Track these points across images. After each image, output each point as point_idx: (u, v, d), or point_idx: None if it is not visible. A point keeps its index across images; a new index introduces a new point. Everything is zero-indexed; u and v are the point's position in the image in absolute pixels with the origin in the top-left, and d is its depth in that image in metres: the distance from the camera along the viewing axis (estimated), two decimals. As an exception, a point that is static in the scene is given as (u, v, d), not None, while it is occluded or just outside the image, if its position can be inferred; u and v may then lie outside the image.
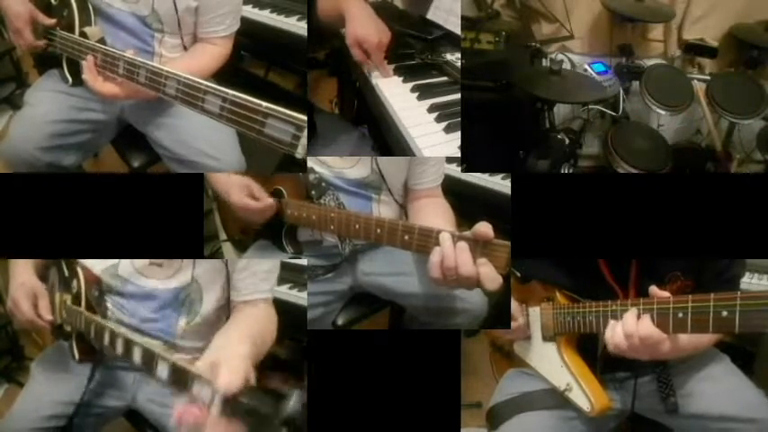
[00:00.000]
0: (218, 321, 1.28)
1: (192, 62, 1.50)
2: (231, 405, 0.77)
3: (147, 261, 1.23)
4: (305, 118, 0.86)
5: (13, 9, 1.40)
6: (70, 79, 1.48)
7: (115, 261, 1.24)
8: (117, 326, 1.10)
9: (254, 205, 1.29)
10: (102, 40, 1.39)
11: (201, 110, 0.98)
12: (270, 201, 1.30)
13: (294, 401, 0.72)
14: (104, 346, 1.11)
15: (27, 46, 1.44)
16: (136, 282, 1.24)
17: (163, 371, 0.90)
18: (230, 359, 0.90)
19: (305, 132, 0.86)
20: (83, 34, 1.39)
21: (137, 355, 0.99)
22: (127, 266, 1.24)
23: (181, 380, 0.83)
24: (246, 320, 1.23)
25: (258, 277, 1.25)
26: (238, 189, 1.31)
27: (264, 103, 0.90)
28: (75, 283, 1.24)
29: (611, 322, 1.01)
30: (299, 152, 0.86)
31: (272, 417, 0.72)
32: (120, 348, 1.05)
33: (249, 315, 1.24)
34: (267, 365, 1.08)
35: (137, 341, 0.99)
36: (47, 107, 1.48)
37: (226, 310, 1.29)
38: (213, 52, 1.54)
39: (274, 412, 0.72)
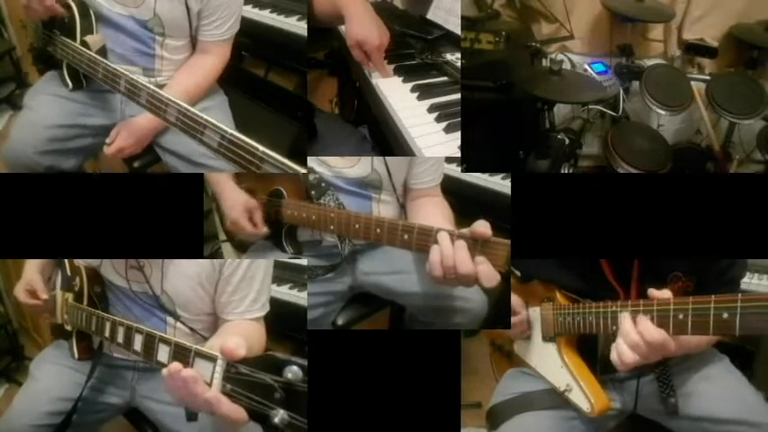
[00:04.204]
0: (208, 329, 1.28)
1: (191, 80, 1.50)
2: (233, 378, 0.76)
3: (127, 265, 1.23)
4: (300, 169, 0.88)
5: None
6: (70, 84, 1.48)
7: (97, 261, 1.25)
8: (118, 318, 1.10)
9: (249, 230, 1.34)
10: (102, 49, 1.39)
11: (200, 141, 1.00)
12: (264, 231, 1.34)
13: (295, 369, 0.70)
14: (105, 337, 1.11)
15: (45, 9, 1.37)
16: (117, 283, 1.25)
17: (164, 354, 0.89)
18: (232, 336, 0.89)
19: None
20: (84, 43, 1.38)
21: (137, 343, 0.98)
22: (107, 266, 1.26)
23: (182, 359, 0.83)
24: (238, 327, 1.22)
25: (249, 298, 1.24)
26: (242, 209, 1.34)
27: (261, 148, 0.91)
28: (77, 280, 1.24)
29: (613, 345, 0.99)
30: None
31: (272, 387, 0.71)
32: (120, 338, 1.05)
33: (239, 325, 1.23)
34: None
35: (138, 327, 0.99)
36: (46, 112, 1.48)
37: (211, 322, 1.29)
38: (212, 65, 1.54)
39: (275, 382, 0.71)
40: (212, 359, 0.78)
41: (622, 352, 0.95)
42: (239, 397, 0.75)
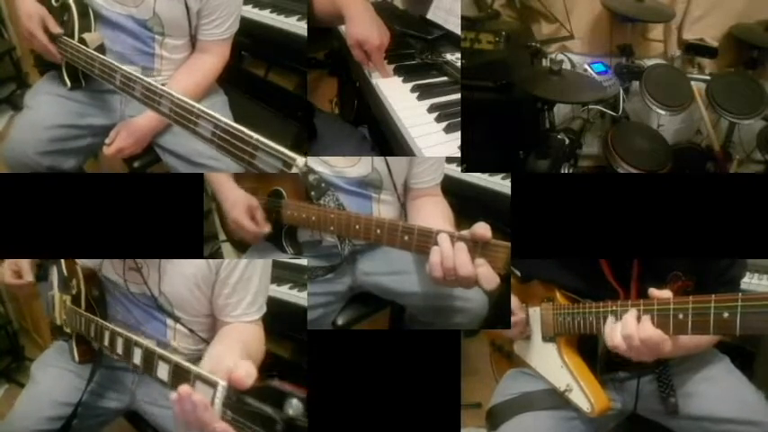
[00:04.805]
0: (207, 330, 1.28)
1: (190, 80, 1.50)
2: (234, 405, 0.75)
3: (125, 266, 1.23)
4: (295, 156, 0.86)
5: (25, 8, 1.38)
6: (69, 83, 1.48)
7: (98, 262, 1.25)
8: (117, 327, 1.10)
9: (251, 228, 1.33)
10: (101, 47, 1.38)
11: (193, 132, 0.99)
12: (266, 229, 1.33)
13: (296, 403, 0.71)
14: (104, 346, 1.11)
15: (41, 47, 1.40)
16: (118, 283, 1.25)
17: (163, 372, 0.89)
18: (237, 361, 0.87)
19: (294, 165, 0.86)
20: (82, 41, 1.38)
21: (137, 357, 0.98)
22: (107, 267, 1.25)
23: (182, 380, 0.82)
24: (237, 332, 1.21)
25: (246, 300, 1.22)
26: (243, 207, 1.33)
27: (255, 135, 0.90)
28: (74, 282, 1.24)
29: (610, 320, 1.01)
30: (294, 171, 0.87)
31: (273, 420, 0.71)
32: (120, 349, 1.05)
33: (238, 329, 1.22)
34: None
35: (138, 341, 0.99)
36: (46, 112, 1.48)
37: (210, 324, 1.28)
38: (212, 64, 1.54)
39: (276, 415, 0.71)
40: (213, 384, 0.77)
41: (615, 333, 0.97)
42: (240, 426, 0.74)
